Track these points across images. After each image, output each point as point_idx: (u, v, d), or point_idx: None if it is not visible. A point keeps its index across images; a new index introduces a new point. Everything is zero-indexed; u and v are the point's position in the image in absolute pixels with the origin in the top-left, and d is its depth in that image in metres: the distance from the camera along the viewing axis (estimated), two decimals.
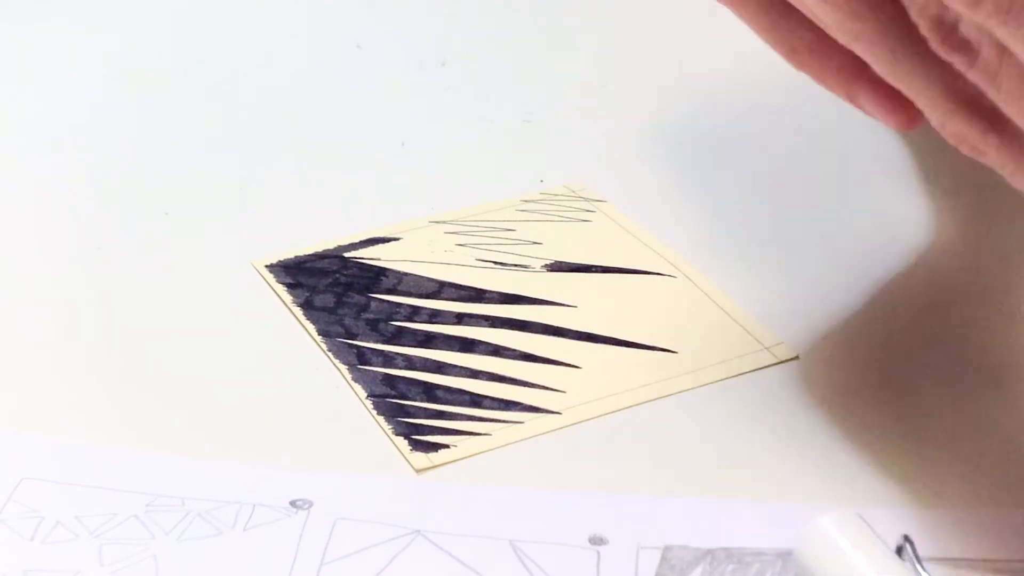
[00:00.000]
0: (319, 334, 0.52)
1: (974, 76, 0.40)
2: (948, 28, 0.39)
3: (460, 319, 0.53)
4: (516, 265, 0.56)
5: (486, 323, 0.53)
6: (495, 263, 0.56)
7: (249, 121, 0.65)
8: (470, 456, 0.47)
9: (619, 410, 0.49)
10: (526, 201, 0.60)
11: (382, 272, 0.55)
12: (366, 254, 0.56)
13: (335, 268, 0.55)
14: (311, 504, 0.45)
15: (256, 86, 0.68)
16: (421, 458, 0.46)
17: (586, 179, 0.61)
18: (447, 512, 0.45)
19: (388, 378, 0.50)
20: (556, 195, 0.60)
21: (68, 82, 0.69)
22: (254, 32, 0.72)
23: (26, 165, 0.62)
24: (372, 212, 0.59)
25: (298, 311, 0.53)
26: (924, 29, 0.40)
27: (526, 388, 0.50)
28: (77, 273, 0.55)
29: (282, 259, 0.56)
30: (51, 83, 0.69)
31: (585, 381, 0.50)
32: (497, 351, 0.51)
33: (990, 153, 0.41)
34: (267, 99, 0.67)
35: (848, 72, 0.44)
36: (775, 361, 0.51)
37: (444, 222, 0.58)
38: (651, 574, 0.43)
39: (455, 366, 0.50)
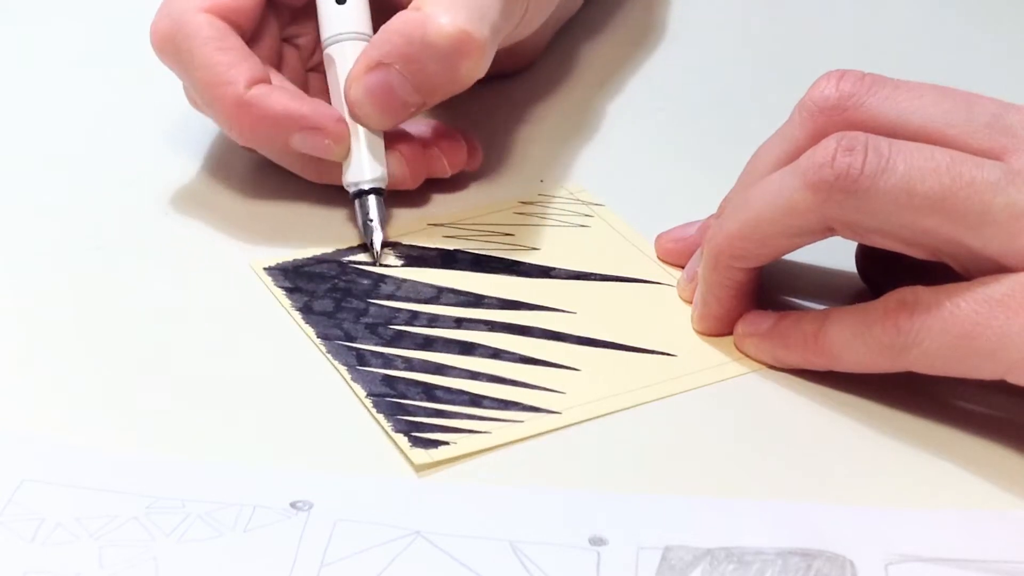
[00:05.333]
0: (318, 337, 0.52)
1: None
2: None
3: (459, 323, 0.53)
4: (514, 273, 0.56)
5: (485, 327, 0.53)
6: (493, 269, 0.56)
7: None
8: (470, 454, 0.47)
9: (619, 411, 0.49)
10: (524, 203, 0.60)
11: (381, 277, 0.55)
12: (364, 258, 0.56)
13: (334, 273, 0.55)
14: (311, 505, 0.45)
15: None
16: (421, 454, 0.46)
17: (584, 181, 0.61)
18: (447, 513, 0.45)
19: (387, 378, 0.50)
20: (554, 197, 0.60)
21: (69, 82, 0.69)
22: None
23: (26, 164, 0.62)
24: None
25: (297, 315, 0.53)
26: None
27: (526, 389, 0.50)
28: (77, 273, 0.55)
29: (280, 262, 0.56)
30: (51, 83, 0.69)
31: (585, 383, 0.50)
32: (496, 354, 0.51)
33: None
34: None
35: None
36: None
37: (442, 225, 0.58)
38: (651, 574, 0.43)
39: (454, 368, 0.51)
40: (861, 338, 0.47)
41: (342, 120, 0.57)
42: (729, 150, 0.55)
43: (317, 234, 0.57)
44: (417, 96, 0.56)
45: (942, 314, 0.45)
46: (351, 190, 0.57)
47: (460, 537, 0.44)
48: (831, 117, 0.48)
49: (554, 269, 0.56)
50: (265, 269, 0.55)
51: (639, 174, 0.62)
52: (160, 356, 0.51)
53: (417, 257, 0.56)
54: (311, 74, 0.62)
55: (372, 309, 0.53)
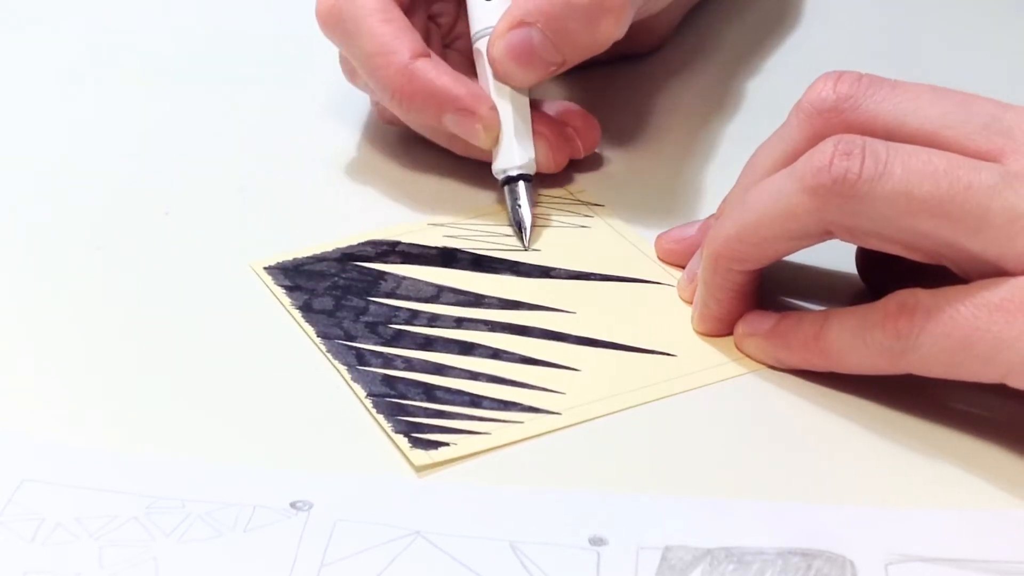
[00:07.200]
0: (318, 336, 0.52)
1: None
2: None
3: (459, 323, 0.53)
4: (514, 272, 0.56)
5: (485, 327, 0.53)
6: (493, 269, 0.56)
7: (249, 121, 0.65)
8: (470, 455, 0.47)
9: (619, 411, 0.49)
10: None
11: (381, 275, 0.55)
12: (369, 253, 0.56)
13: (333, 271, 0.55)
14: (311, 505, 0.45)
15: (257, 85, 0.68)
16: (421, 455, 0.46)
17: (585, 181, 0.61)
18: (447, 513, 0.45)
19: (387, 378, 0.50)
20: (555, 198, 0.60)
21: (68, 81, 0.69)
22: (256, 32, 0.72)
23: (26, 164, 0.62)
24: (370, 214, 0.59)
25: (297, 313, 0.53)
26: None
27: (525, 389, 0.50)
28: (77, 273, 0.55)
29: (280, 261, 0.56)
30: (51, 82, 0.69)
31: (585, 383, 0.50)
32: (496, 354, 0.51)
33: None
34: (268, 99, 0.67)
35: None
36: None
37: (442, 225, 0.58)
38: (651, 574, 0.43)
39: (455, 368, 0.51)
40: (861, 340, 0.47)
41: (495, 108, 0.58)
42: (730, 150, 0.56)
43: (318, 232, 0.57)
44: (558, 55, 0.57)
45: (942, 318, 0.45)
46: (500, 176, 0.58)
47: (460, 537, 0.44)
48: (828, 119, 0.48)
49: (554, 269, 0.56)
50: (265, 268, 0.55)
51: (639, 174, 0.62)
52: (160, 356, 0.51)
53: (417, 256, 0.56)
54: (448, 51, 0.63)
55: (372, 307, 0.53)
